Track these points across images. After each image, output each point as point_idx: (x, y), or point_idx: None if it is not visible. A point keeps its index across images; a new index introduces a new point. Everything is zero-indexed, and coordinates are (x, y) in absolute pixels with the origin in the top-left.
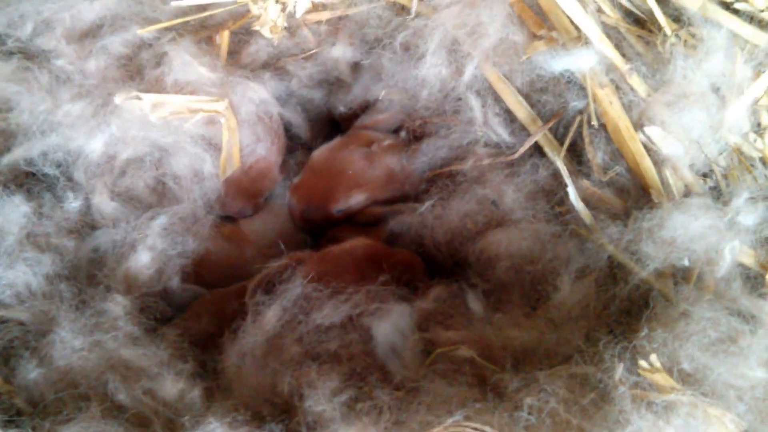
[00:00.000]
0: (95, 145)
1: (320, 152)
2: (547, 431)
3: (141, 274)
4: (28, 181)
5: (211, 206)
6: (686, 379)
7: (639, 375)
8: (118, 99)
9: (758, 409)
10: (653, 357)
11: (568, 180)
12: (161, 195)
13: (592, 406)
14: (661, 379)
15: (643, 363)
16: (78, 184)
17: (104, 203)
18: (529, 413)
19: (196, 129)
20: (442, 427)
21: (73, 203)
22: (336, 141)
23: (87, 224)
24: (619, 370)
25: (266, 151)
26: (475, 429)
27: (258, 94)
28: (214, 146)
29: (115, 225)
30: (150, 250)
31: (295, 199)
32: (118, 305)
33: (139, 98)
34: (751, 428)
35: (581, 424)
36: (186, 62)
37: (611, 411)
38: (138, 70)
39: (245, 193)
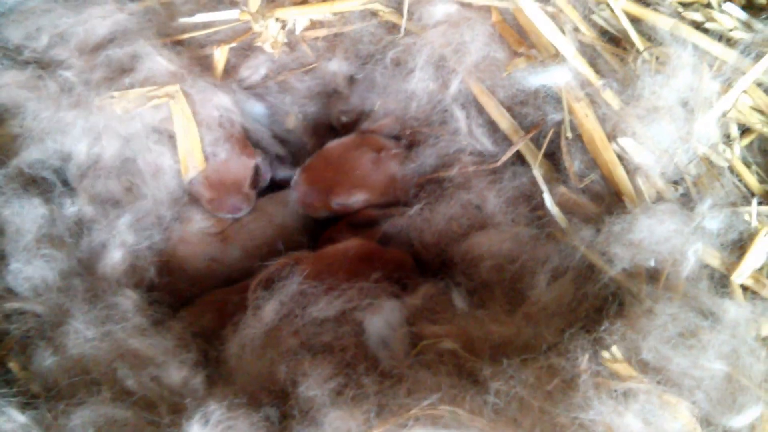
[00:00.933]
0: (80, 148)
1: (335, 144)
2: (513, 413)
3: (116, 270)
4: (43, 183)
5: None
6: (646, 369)
7: (601, 365)
8: (97, 101)
9: (716, 399)
10: (614, 348)
11: (543, 187)
12: (130, 190)
13: (557, 392)
14: (622, 368)
15: (605, 353)
16: (72, 188)
17: (85, 203)
18: (497, 397)
19: (161, 123)
20: (418, 409)
21: (71, 208)
22: (351, 138)
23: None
24: (584, 359)
25: (227, 153)
26: (448, 411)
27: (221, 100)
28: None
29: (92, 226)
30: (121, 247)
31: (301, 179)
32: (127, 299)
33: (112, 97)
34: (708, 416)
35: (543, 406)
36: (149, 54)
37: (575, 396)
38: (121, 74)
39: (226, 188)
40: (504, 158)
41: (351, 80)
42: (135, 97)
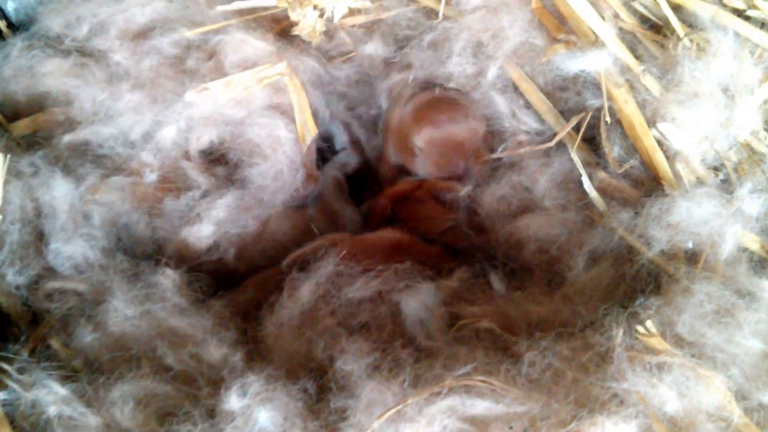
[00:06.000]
0: (166, 134)
1: (431, 135)
2: (547, 383)
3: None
4: (81, 162)
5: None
6: (681, 344)
7: (636, 339)
8: (188, 96)
9: (751, 376)
10: (649, 322)
11: (581, 169)
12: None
13: (590, 363)
14: (656, 342)
15: (639, 328)
16: (149, 162)
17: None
18: (530, 366)
19: (267, 100)
20: (452, 378)
21: (150, 176)
22: (426, 119)
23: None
24: (618, 333)
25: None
26: (482, 381)
27: (310, 62)
28: (286, 115)
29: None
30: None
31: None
32: (167, 279)
33: (207, 89)
34: (743, 392)
35: (577, 377)
36: (241, 41)
37: (608, 368)
38: (193, 68)
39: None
40: (550, 144)
41: (388, 63)
42: (243, 83)
